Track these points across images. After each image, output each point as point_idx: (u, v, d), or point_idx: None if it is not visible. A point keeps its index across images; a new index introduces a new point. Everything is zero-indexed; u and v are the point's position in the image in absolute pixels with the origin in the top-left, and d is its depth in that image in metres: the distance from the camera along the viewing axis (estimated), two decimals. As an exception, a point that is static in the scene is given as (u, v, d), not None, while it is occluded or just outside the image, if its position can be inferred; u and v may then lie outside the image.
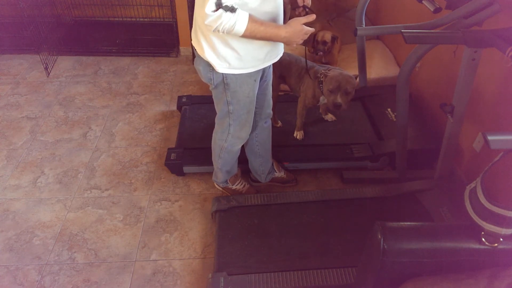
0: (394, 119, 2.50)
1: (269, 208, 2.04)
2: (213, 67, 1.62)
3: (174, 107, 2.93)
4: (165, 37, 3.66)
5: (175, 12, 3.40)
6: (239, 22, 1.41)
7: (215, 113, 1.88)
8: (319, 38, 2.93)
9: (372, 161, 2.34)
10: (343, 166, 2.37)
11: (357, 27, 2.22)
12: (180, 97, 2.80)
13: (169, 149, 2.37)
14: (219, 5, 1.36)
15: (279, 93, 2.51)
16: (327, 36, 2.93)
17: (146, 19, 3.94)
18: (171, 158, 2.30)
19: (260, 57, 1.64)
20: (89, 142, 2.62)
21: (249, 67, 1.64)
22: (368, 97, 2.75)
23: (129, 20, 3.92)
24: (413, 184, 2.11)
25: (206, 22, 1.40)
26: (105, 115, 2.86)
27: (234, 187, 2.17)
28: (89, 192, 2.27)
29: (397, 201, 2.06)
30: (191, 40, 1.71)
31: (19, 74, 3.30)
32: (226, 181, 2.16)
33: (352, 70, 2.95)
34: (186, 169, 2.33)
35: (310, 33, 1.56)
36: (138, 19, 3.93)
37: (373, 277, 1.29)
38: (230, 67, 1.61)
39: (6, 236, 2.02)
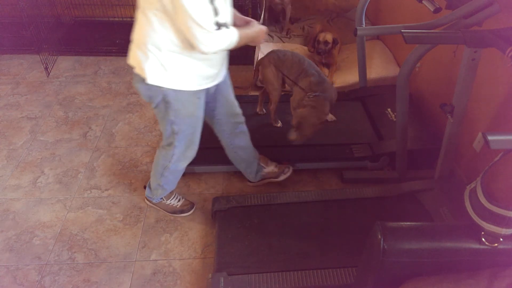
0: (394, 119, 2.50)
1: (269, 208, 2.04)
2: (152, 84, 1.55)
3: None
4: (165, 37, 3.65)
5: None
6: (233, 34, 1.47)
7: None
8: (321, 39, 2.94)
9: (372, 161, 2.34)
10: (343, 166, 2.36)
11: (357, 27, 2.22)
12: (180, 97, 2.80)
13: (169, 149, 2.37)
14: (218, 24, 1.37)
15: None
16: (329, 36, 2.94)
17: (146, 19, 3.93)
18: (171, 158, 2.30)
19: (211, 74, 1.62)
20: (89, 142, 2.62)
21: (194, 85, 1.60)
22: (368, 97, 2.75)
23: (129, 20, 3.88)
24: (413, 184, 2.11)
25: (207, 44, 1.39)
26: (105, 115, 2.86)
27: (168, 202, 2.09)
28: (89, 192, 2.27)
29: (397, 201, 2.06)
30: (128, 58, 1.60)
31: (19, 74, 3.30)
32: (161, 197, 2.09)
33: (352, 70, 2.96)
34: (186, 168, 2.32)
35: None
36: (138, 19, 3.92)
37: (373, 277, 1.29)
38: (172, 83, 1.55)
39: (6, 236, 2.02)
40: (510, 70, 1.78)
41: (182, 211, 2.11)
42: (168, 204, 2.10)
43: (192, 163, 2.29)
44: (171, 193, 2.09)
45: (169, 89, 1.57)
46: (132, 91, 3.11)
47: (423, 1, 1.95)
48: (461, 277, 1.22)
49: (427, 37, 1.58)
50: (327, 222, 1.97)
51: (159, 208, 2.13)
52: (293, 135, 2.15)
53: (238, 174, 2.36)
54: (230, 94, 1.89)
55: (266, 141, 2.42)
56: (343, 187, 2.30)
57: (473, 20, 1.62)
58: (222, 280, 1.67)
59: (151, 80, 1.54)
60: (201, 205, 2.19)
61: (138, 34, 1.51)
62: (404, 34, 1.49)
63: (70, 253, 1.94)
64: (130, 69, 1.60)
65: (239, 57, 3.40)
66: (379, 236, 1.22)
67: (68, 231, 2.05)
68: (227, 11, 1.48)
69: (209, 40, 1.38)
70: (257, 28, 1.64)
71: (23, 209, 2.16)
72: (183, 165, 1.92)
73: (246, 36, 1.57)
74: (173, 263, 1.91)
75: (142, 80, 1.55)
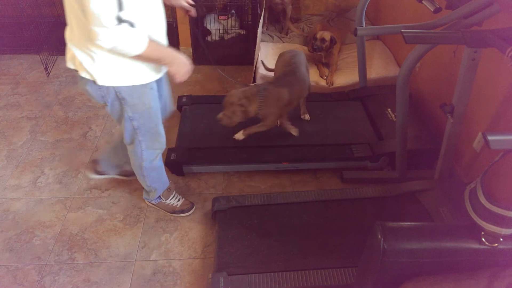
0: (394, 119, 2.50)
1: (269, 208, 2.04)
2: (103, 85, 1.50)
3: (174, 107, 2.92)
4: (165, 37, 3.65)
5: (175, 12, 3.39)
6: (139, 39, 1.36)
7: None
8: (318, 36, 2.96)
9: (372, 161, 2.34)
10: (343, 166, 2.37)
11: (357, 27, 2.22)
12: (180, 97, 2.80)
13: (169, 149, 2.36)
14: (119, 20, 1.27)
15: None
16: (326, 35, 2.95)
17: (146, 19, 3.92)
18: (171, 158, 2.30)
19: (160, 67, 1.59)
20: (89, 142, 2.62)
21: (145, 77, 1.55)
22: (368, 97, 2.75)
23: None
24: (413, 184, 2.10)
25: (101, 39, 1.27)
26: (105, 115, 2.86)
27: (168, 201, 2.09)
28: (89, 192, 2.27)
29: (397, 201, 2.06)
30: (66, 62, 1.55)
31: (19, 74, 3.30)
32: (159, 197, 2.08)
33: (352, 70, 2.96)
34: (185, 169, 2.33)
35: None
36: (138, 19, 3.92)
37: (373, 277, 1.29)
38: (124, 80, 1.51)
39: (6, 236, 2.02)
40: (510, 70, 1.78)
41: (182, 211, 2.11)
42: (168, 204, 2.10)
43: (192, 163, 2.31)
44: (170, 192, 2.09)
45: (121, 86, 1.52)
46: (132, 91, 3.11)
47: (423, 1, 1.95)
48: (461, 277, 1.22)
49: (427, 37, 1.58)
50: (327, 222, 1.97)
51: (159, 208, 2.13)
52: (220, 114, 2.17)
53: (238, 174, 2.37)
54: (165, 89, 1.84)
55: (266, 141, 2.42)
56: (343, 187, 2.30)
57: (473, 20, 1.62)
58: (222, 280, 1.67)
59: (102, 81, 1.48)
60: (201, 205, 2.19)
61: (74, 35, 1.43)
62: (404, 34, 1.49)
63: (70, 253, 1.94)
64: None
65: (239, 57, 3.41)
66: (379, 236, 1.22)
67: (68, 231, 2.05)
68: (140, 10, 1.37)
69: (103, 35, 1.27)
70: (182, 56, 1.55)
71: (23, 209, 2.16)
72: (156, 159, 1.88)
73: (160, 51, 1.47)
74: (173, 263, 1.91)
75: (92, 82, 1.49)
